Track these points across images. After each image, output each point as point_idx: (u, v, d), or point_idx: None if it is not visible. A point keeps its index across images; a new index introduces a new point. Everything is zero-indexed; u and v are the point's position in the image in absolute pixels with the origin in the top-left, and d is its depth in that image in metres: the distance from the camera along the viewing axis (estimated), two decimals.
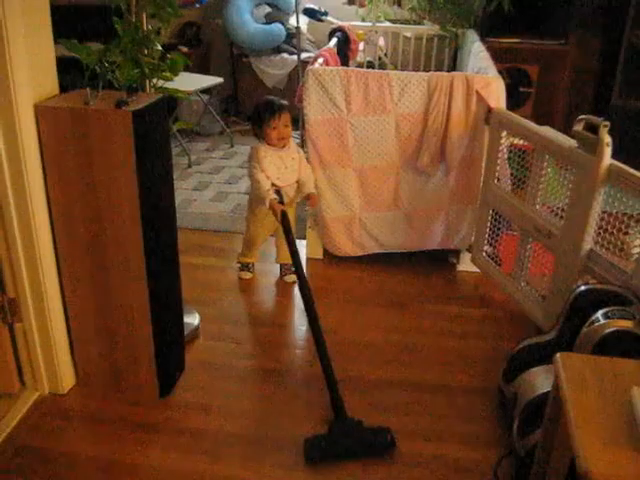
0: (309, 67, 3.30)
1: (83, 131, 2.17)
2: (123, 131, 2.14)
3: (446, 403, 2.59)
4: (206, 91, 5.34)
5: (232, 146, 5.44)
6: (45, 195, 2.31)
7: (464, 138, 3.25)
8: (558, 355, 1.94)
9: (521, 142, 3.18)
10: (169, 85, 2.60)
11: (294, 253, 2.83)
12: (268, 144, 3.09)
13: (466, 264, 3.55)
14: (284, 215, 2.98)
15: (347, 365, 2.75)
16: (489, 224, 3.36)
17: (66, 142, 2.21)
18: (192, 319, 3.00)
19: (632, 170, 2.44)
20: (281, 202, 3.06)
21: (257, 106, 3.15)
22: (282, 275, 3.48)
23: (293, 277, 3.36)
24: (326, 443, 2.32)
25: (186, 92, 3.02)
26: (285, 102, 3.16)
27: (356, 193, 3.40)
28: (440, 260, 3.61)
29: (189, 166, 4.95)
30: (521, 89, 5.15)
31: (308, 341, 2.95)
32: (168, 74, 2.58)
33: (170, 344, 2.59)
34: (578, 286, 2.45)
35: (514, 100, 3.54)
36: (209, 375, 2.72)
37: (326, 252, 3.61)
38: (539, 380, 2.29)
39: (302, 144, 3.68)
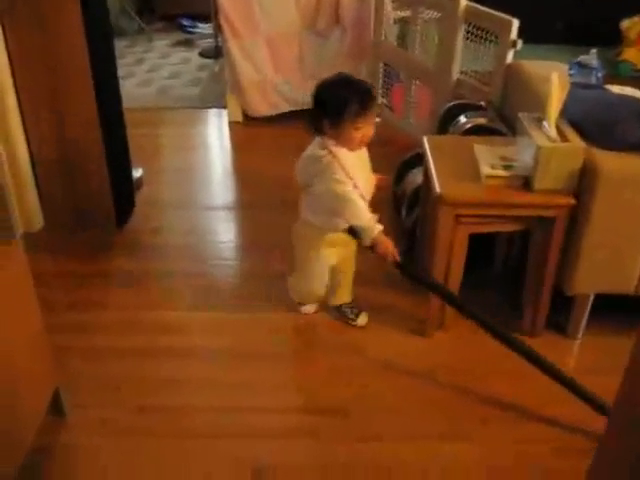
0: None
1: None
2: None
3: None
4: None
5: (151, 41, 5.83)
6: (4, 45, 2.73)
7: (355, 1, 3.81)
8: (424, 137, 2.59)
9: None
10: None
11: (447, 297, 2.29)
12: (343, 146, 2.13)
13: None
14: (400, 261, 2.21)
15: (268, 196, 3.41)
16: (381, 76, 3.96)
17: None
18: (136, 172, 3.52)
19: (481, 7, 3.06)
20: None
21: (328, 89, 2.12)
22: (349, 320, 2.54)
23: (364, 318, 2.55)
24: None
25: None
26: (372, 85, 2.36)
27: (267, 59, 3.94)
28: None
29: None
30: None
31: (238, 178, 3.59)
32: None
33: (122, 183, 3.13)
34: (448, 105, 3.10)
35: None
36: (156, 208, 3.33)
37: (245, 116, 4.15)
38: (418, 176, 2.94)
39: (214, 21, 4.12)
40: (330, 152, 2.10)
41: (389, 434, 2.11)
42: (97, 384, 2.27)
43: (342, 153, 2.11)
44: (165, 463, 2.01)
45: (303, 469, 2.00)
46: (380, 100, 4.03)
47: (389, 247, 2.16)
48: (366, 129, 2.10)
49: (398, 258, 2.19)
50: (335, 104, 2.05)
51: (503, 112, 2.97)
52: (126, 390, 2.25)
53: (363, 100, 2.05)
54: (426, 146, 2.53)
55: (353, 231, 2.20)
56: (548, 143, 2.11)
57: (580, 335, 2.49)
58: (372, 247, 2.17)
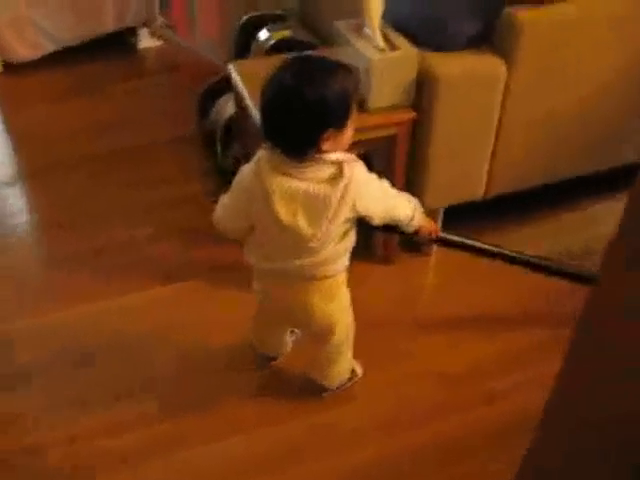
0: None
1: None
2: None
3: (156, 156, 2.82)
4: None
5: None
6: None
7: None
8: (230, 64, 2.23)
9: None
10: None
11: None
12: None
13: (146, 40, 3.66)
14: None
15: (61, 157, 2.86)
16: None
17: None
18: None
19: None
20: None
21: (325, 89, 1.40)
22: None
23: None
24: None
25: None
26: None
27: None
28: (120, 44, 3.66)
29: None
30: None
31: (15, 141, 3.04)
32: None
33: None
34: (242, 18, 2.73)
35: None
36: None
37: (4, 65, 3.48)
38: (228, 106, 2.58)
39: None
40: (345, 162, 1.45)
41: None
42: None
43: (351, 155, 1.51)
44: None
45: None
46: (160, 20, 3.55)
47: (433, 226, 1.75)
48: None
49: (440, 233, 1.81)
50: (342, 104, 1.42)
51: (305, 19, 2.66)
52: None
53: (357, 83, 1.52)
54: (235, 74, 2.17)
55: (388, 228, 1.68)
56: (378, 54, 1.84)
57: (434, 250, 2.34)
58: (416, 232, 1.72)
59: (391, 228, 1.69)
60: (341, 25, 1.99)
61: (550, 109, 2.11)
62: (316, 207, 1.44)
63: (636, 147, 2.43)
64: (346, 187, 1.43)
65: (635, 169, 2.53)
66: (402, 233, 1.72)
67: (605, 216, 2.52)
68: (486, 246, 1.90)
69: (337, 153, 1.45)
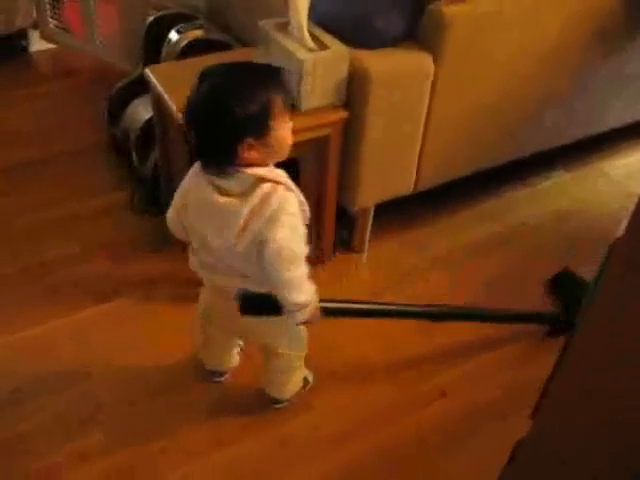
0: None
1: None
2: None
3: (65, 167, 2.64)
4: None
5: None
6: None
7: None
8: (146, 69, 2.12)
9: None
10: None
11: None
12: (273, 161, 1.40)
13: (38, 43, 3.44)
14: None
15: None
16: None
17: None
18: None
19: None
20: None
21: (236, 94, 1.29)
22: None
23: None
24: None
25: None
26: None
27: None
28: (9, 48, 3.43)
29: None
30: None
31: None
32: None
33: None
34: (148, 19, 2.61)
35: None
36: None
37: None
38: (141, 109, 2.47)
39: None
40: (275, 181, 1.34)
41: None
42: None
43: (285, 176, 1.39)
44: None
45: None
46: (52, 21, 3.34)
47: (317, 313, 1.49)
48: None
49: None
50: (255, 109, 1.28)
51: (214, 18, 2.57)
52: None
53: (281, 84, 1.37)
54: (152, 78, 2.06)
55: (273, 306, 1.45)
56: (309, 54, 1.79)
57: (366, 247, 2.33)
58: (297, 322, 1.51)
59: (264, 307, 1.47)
60: (267, 25, 1.93)
61: (475, 102, 2.13)
62: (225, 220, 1.37)
63: (551, 134, 2.49)
64: (261, 204, 1.33)
65: (549, 155, 2.59)
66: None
67: (517, 203, 2.58)
68: (369, 306, 1.79)
69: (265, 168, 1.35)
